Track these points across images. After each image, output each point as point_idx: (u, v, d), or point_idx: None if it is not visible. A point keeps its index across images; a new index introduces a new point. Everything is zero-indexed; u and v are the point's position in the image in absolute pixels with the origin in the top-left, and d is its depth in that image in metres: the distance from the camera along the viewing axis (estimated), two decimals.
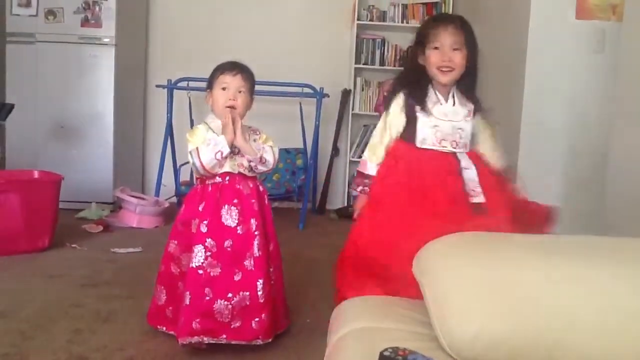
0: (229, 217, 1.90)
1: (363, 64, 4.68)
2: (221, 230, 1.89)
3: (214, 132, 1.94)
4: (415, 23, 4.62)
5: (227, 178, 1.93)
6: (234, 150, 1.94)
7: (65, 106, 4.15)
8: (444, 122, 1.82)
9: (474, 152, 1.89)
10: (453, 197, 1.76)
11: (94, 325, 2.12)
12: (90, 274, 2.75)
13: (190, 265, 1.88)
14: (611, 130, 2.33)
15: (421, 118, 1.82)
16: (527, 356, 0.93)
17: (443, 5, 4.58)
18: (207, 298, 1.86)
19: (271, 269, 1.96)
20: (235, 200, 1.91)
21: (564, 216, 2.97)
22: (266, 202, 2.02)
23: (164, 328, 2.01)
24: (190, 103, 4.25)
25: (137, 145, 4.73)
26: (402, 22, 4.67)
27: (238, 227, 1.90)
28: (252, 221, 1.91)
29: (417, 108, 1.83)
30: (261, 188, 2.02)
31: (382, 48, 4.71)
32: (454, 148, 1.83)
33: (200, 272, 1.87)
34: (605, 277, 0.97)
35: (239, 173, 1.95)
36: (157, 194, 4.17)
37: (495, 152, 1.92)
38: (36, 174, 3.30)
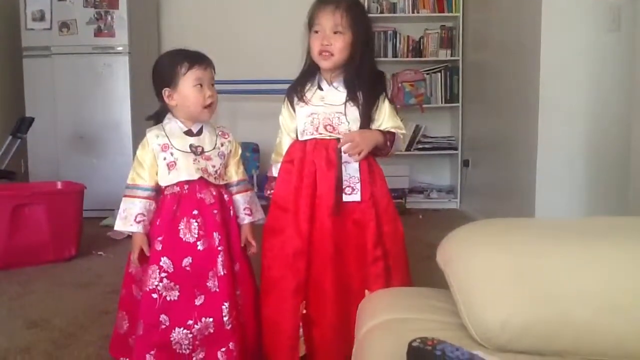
0: (188, 231, 1.63)
1: (376, 57, 4.65)
2: (178, 247, 1.62)
3: (165, 135, 1.67)
4: (426, 12, 4.59)
5: (187, 187, 1.64)
6: (196, 150, 1.67)
7: (84, 116, 4.20)
8: (321, 107, 1.67)
9: None
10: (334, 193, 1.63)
11: None
12: (118, 280, 2.74)
13: (145, 288, 1.62)
14: (632, 110, 2.29)
15: (299, 109, 1.71)
16: (557, 341, 0.92)
17: None
18: (163, 327, 1.60)
19: (238, 292, 1.68)
20: (196, 212, 1.63)
21: (587, 200, 2.95)
22: (231, 214, 1.71)
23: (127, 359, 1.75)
24: None
25: None
26: (413, 12, 4.63)
27: (198, 243, 1.62)
28: (215, 235, 1.63)
29: (295, 100, 1.71)
30: (226, 197, 1.71)
31: (394, 40, 4.69)
32: (331, 133, 1.65)
33: (155, 296, 1.60)
34: (633, 259, 0.96)
35: (201, 179, 1.64)
36: None
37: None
38: (59, 185, 3.36)
